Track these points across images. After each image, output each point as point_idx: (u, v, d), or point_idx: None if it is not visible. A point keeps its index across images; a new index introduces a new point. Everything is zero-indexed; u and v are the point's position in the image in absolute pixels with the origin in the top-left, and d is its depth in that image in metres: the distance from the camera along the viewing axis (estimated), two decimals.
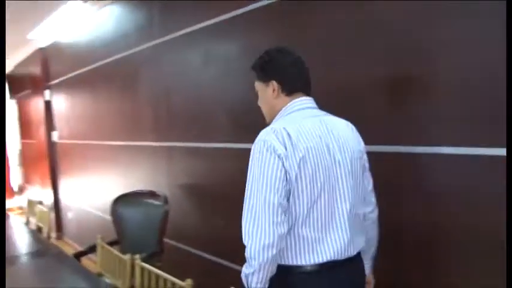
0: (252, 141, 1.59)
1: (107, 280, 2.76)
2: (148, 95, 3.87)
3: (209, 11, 3.03)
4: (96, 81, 4.91)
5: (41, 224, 4.09)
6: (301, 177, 1.51)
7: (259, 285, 1.51)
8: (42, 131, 6.65)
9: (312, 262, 1.56)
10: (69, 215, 6.09)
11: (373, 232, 1.82)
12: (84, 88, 5.27)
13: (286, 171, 1.50)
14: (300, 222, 1.54)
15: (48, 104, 6.43)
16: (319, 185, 1.54)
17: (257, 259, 1.46)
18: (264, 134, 1.56)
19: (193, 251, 3.44)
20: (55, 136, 6.33)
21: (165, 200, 3.35)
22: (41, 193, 7.06)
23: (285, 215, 1.50)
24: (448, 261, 1.89)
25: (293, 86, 1.69)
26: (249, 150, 1.58)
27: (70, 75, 5.58)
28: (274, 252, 1.46)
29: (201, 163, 3.30)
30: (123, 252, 3.04)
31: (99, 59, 4.71)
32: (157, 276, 2.16)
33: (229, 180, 3.01)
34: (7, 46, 6.78)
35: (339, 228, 1.59)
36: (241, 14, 2.80)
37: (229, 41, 2.96)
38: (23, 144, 8.45)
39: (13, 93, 8.74)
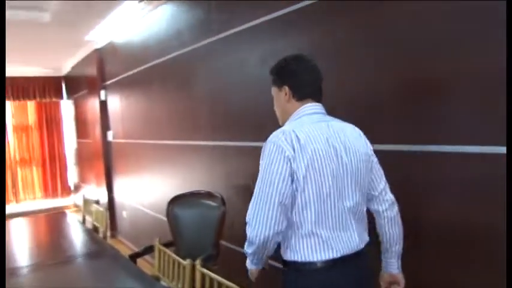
0: None
1: (163, 283, 2.69)
2: (204, 93, 3.80)
3: (267, 6, 2.91)
4: (151, 81, 4.90)
5: (97, 224, 4.09)
6: (310, 177, 1.65)
7: (255, 260, 1.83)
8: (97, 130, 6.75)
9: (325, 258, 1.69)
10: (123, 214, 6.14)
11: (394, 230, 1.87)
12: (139, 87, 5.28)
13: (293, 172, 1.64)
14: (313, 221, 1.68)
15: (103, 104, 6.51)
16: (327, 184, 1.68)
17: (254, 246, 1.69)
18: (274, 136, 1.70)
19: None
20: (110, 135, 6.41)
21: (222, 201, 3.25)
22: (96, 192, 7.17)
23: (284, 214, 1.65)
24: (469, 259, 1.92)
25: (304, 92, 1.82)
26: None
27: (125, 75, 5.61)
28: (269, 244, 1.68)
29: (259, 163, 3.19)
30: (179, 253, 2.97)
31: (154, 58, 4.69)
32: (220, 284, 2.06)
33: None
34: (65, 48, 6.94)
35: (348, 225, 1.74)
36: (300, 9, 2.66)
37: (287, 37, 2.82)
38: (79, 144, 8.63)
39: (70, 94, 8.95)
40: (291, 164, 1.64)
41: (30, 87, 9.03)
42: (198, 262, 2.17)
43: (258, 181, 1.69)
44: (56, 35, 5.79)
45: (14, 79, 8.84)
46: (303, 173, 1.64)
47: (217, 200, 3.30)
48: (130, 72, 5.39)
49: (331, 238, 1.70)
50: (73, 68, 8.24)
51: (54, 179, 9.57)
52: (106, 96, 6.44)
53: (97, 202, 4.28)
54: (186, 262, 2.27)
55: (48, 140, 9.47)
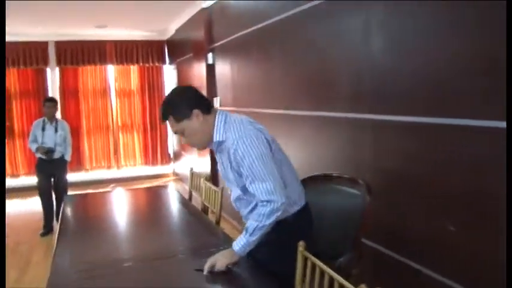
0: None
1: None
2: (346, 51, 3.04)
3: None
4: (268, 41, 4.22)
5: (207, 204, 3.55)
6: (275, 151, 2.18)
7: (258, 236, 2.04)
8: None
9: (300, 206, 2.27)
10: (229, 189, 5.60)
11: None
12: (254, 49, 4.62)
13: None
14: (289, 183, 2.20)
15: (210, 68, 5.97)
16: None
17: (278, 213, 2.03)
18: (244, 131, 2.02)
19: (401, 259, 2.61)
20: (217, 102, 5.87)
21: (368, 189, 2.51)
22: (198, 160, 6.75)
23: None
24: None
25: (208, 106, 2.12)
26: None
27: (237, 35, 4.97)
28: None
29: (421, 144, 2.42)
30: (308, 250, 2.29)
31: (273, 15, 3.99)
32: None
33: (465, 172, 2.12)
34: (171, 8, 6.48)
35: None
36: None
37: None
38: None
39: (173, 58, 8.60)
40: (269, 145, 2.10)
41: (133, 51, 8.84)
42: None
43: (256, 166, 1.98)
44: None
45: (118, 43, 8.66)
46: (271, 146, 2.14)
47: (360, 187, 2.56)
48: (244, 32, 4.74)
49: (301, 191, 2.32)
50: (177, 30, 7.81)
51: (154, 146, 9.38)
52: (214, 59, 5.88)
53: (208, 178, 3.72)
54: None
55: (150, 105, 9.25)
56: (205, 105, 2.10)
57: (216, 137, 2.09)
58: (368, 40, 2.74)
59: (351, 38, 2.93)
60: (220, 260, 2.07)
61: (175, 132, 2.14)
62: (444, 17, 2.20)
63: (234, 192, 2.30)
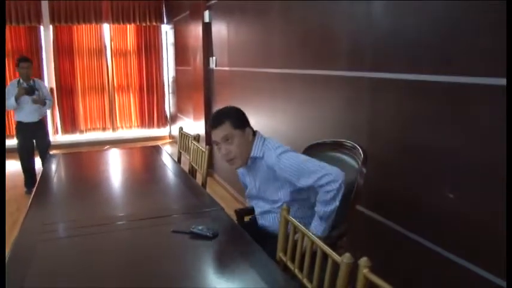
0: None
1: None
2: (345, 8, 2.81)
3: None
4: None
5: (195, 165, 3.39)
6: None
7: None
8: (199, 56, 6.01)
9: None
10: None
11: None
12: (251, 5, 4.37)
13: None
14: None
15: (207, 27, 5.71)
16: None
17: (343, 186, 2.09)
18: (282, 149, 2.24)
19: (397, 228, 2.45)
20: (212, 62, 5.64)
21: (363, 158, 2.30)
22: (193, 124, 6.57)
23: None
24: None
25: (253, 130, 2.32)
26: None
27: None
28: None
29: (424, 105, 2.23)
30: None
31: None
32: None
33: (469, 135, 1.94)
34: None
35: None
36: None
37: None
38: (177, 71, 8.04)
39: (170, 18, 8.31)
40: None
41: (130, 10, 8.51)
42: (363, 263, 1.30)
43: (305, 163, 2.16)
44: None
45: (114, 1, 8.34)
46: None
47: (357, 155, 2.36)
48: None
49: None
50: None
51: (150, 108, 9.19)
52: (210, 17, 5.60)
53: (196, 139, 3.55)
54: (346, 259, 1.38)
55: (146, 66, 9.01)
56: (253, 130, 2.31)
57: (254, 153, 2.27)
58: None
59: None
60: None
61: (221, 139, 2.22)
62: None
63: (262, 207, 2.39)
